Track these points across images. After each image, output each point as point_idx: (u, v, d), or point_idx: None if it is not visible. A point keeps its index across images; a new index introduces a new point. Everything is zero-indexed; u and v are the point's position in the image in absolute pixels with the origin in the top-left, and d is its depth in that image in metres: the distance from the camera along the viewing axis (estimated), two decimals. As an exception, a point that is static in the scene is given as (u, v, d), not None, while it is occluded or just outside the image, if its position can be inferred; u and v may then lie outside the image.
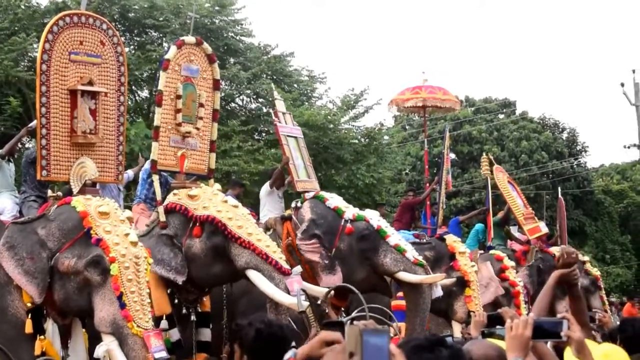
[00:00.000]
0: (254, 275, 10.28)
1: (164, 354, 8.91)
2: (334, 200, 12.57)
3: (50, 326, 9.39)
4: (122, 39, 26.50)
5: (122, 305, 8.95)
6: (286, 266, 10.34)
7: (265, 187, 13.34)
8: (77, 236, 9.33)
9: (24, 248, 9.31)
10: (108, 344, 8.95)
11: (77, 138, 9.83)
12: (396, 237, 12.48)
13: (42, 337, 9.26)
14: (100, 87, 9.98)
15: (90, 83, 9.91)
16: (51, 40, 9.65)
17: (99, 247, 9.15)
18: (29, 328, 9.20)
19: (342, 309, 11.68)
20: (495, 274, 15.50)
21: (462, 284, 14.27)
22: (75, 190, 9.80)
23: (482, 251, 16.31)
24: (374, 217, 12.50)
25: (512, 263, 15.99)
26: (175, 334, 10.37)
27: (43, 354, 9.16)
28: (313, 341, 3.72)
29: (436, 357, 3.43)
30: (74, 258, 9.21)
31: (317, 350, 3.74)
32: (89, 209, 9.37)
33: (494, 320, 5.31)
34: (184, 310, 10.81)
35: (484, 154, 20.76)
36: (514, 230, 17.96)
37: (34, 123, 10.44)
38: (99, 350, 8.98)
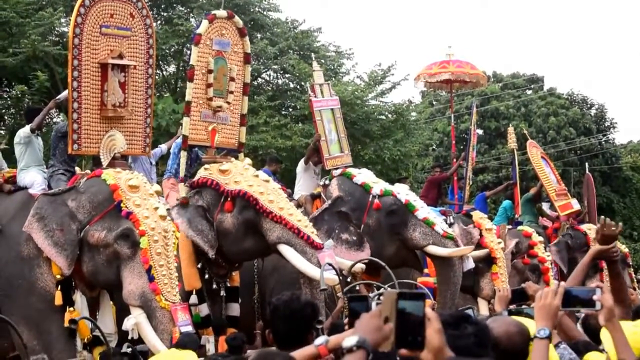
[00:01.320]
0: (285, 249, 10.31)
1: (190, 327, 9.03)
2: (362, 176, 12.56)
3: (79, 298, 9.52)
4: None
5: (151, 279, 9.07)
6: (318, 240, 10.35)
7: (301, 163, 13.32)
8: (107, 209, 9.43)
9: (54, 219, 9.39)
10: (136, 316, 9.05)
11: (107, 111, 9.91)
12: (425, 210, 12.47)
13: (71, 308, 9.37)
14: (130, 61, 10.03)
15: (121, 56, 9.96)
16: (83, 14, 9.71)
17: (129, 220, 9.25)
18: (58, 300, 9.31)
19: (374, 284, 11.71)
20: (524, 250, 15.44)
21: (489, 260, 14.23)
22: (104, 163, 9.87)
23: (510, 227, 16.25)
24: (401, 192, 12.50)
25: (541, 239, 15.89)
26: (204, 309, 10.41)
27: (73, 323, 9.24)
28: (347, 333, 3.68)
29: (461, 334, 3.41)
30: (104, 231, 9.31)
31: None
32: (119, 182, 9.46)
33: (518, 295, 5.27)
34: (214, 285, 10.85)
35: (510, 126, 20.60)
36: (546, 207, 17.85)
37: (61, 95, 10.50)
38: (128, 323, 9.07)
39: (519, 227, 16.15)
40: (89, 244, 9.42)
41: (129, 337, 9.13)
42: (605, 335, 4.22)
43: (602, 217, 5.16)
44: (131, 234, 9.23)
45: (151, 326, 9.05)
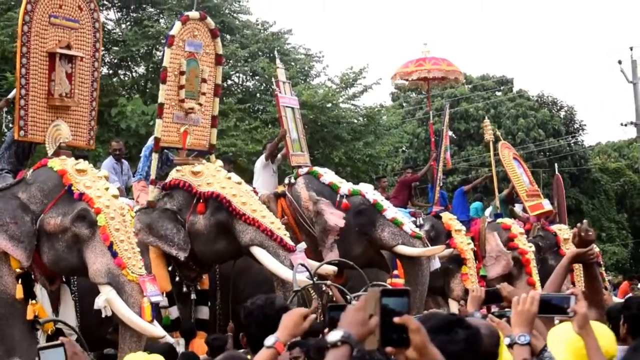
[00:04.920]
0: (258, 252, 10.28)
1: (159, 297, 9.20)
2: (328, 175, 12.56)
3: (39, 291, 9.44)
4: (119, 14, 26.54)
5: (114, 254, 9.07)
6: (291, 243, 10.34)
7: (261, 159, 13.27)
8: (59, 195, 9.44)
9: (6, 214, 9.32)
10: (107, 293, 9.01)
11: (54, 101, 9.92)
12: (392, 210, 12.52)
13: (33, 301, 9.28)
14: (77, 52, 10.02)
15: (68, 47, 9.98)
16: (33, 2, 9.73)
17: (83, 201, 9.27)
18: (19, 293, 9.21)
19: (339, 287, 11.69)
20: (503, 243, 15.47)
21: (459, 261, 14.27)
22: (50, 152, 9.87)
23: (490, 219, 16.29)
24: (369, 191, 12.52)
25: (521, 230, 15.92)
26: (174, 312, 10.38)
27: (36, 317, 9.17)
28: (289, 324, 3.77)
29: (451, 339, 3.31)
30: (60, 216, 9.30)
31: (297, 329, 3.79)
32: (67, 167, 9.48)
33: (493, 296, 5.26)
34: (184, 288, 10.81)
35: (486, 119, 20.53)
36: (518, 208, 17.88)
37: (12, 93, 10.44)
38: (99, 301, 9.06)
39: (498, 220, 16.18)
40: (47, 233, 9.37)
41: (102, 315, 9.09)
42: (550, 339, 4.24)
43: (585, 221, 5.15)
44: (87, 214, 9.20)
45: (122, 300, 9.02)
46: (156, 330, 8.98)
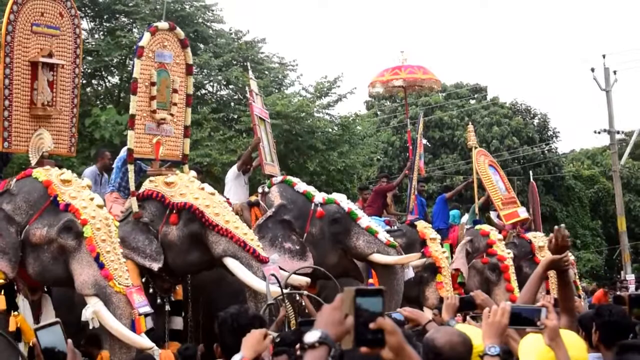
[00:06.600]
0: (231, 263, 10.26)
1: (148, 308, 9.19)
2: (302, 184, 12.54)
3: (21, 302, 9.40)
4: (92, 24, 26.42)
5: (101, 266, 9.07)
6: (264, 254, 10.32)
7: (233, 169, 13.24)
8: (44, 205, 9.42)
9: None
10: (94, 305, 8.97)
11: (37, 110, 9.89)
12: (366, 219, 12.54)
13: (15, 312, 9.26)
14: (59, 60, 10.01)
15: (50, 55, 9.97)
16: (15, 11, 9.72)
17: (69, 212, 9.25)
18: (2, 304, 9.16)
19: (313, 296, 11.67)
20: (482, 249, 15.52)
21: (434, 270, 14.26)
22: (33, 161, 9.82)
23: (468, 226, 16.31)
24: (343, 200, 12.51)
25: (500, 236, 15.95)
26: (148, 322, 10.32)
27: (18, 329, 9.12)
28: (252, 343, 3.91)
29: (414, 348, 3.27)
30: (45, 227, 9.28)
31: (259, 346, 3.87)
32: (51, 177, 9.48)
33: (466, 304, 5.27)
34: (158, 300, 10.76)
35: (470, 125, 20.53)
36: (493, 216, 17.90)
37: None
38: (87, 313, 9.02)
39: (477, 226, 16.19)
40: (32, 244, 9.35)
41: (90, 327, 9.07)
42: (521, 350, 4.25)
43: (562, 225, 5.12)
44: (73, 225, 9.19)
45: (110, 312, 9.00)
46: (144, 341, 8.97)
